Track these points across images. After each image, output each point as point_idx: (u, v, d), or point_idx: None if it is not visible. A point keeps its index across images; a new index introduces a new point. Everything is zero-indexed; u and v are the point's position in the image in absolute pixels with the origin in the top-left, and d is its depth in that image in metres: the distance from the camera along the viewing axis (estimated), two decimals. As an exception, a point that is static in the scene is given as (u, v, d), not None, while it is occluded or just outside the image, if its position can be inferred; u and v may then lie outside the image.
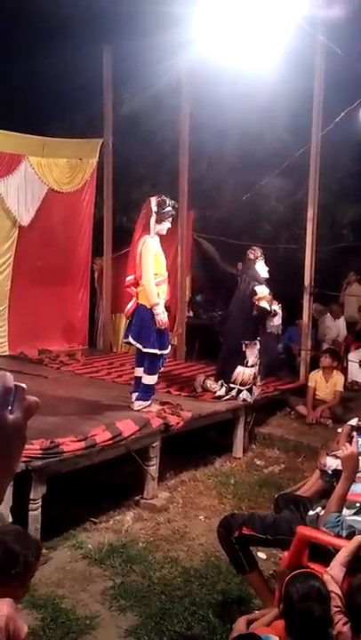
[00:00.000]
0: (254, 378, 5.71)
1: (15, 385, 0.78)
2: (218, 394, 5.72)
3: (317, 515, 3.10)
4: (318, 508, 3.14)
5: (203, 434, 5.66)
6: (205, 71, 6.93)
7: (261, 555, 3.73)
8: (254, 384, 5.74)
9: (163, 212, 4.88)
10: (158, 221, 4.88)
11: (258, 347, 5.69)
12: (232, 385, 5.66)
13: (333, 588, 2.37)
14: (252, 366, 5.67)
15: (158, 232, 4.91)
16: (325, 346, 7.52)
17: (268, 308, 5.61)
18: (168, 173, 8.03)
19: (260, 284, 5.65)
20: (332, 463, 3.85)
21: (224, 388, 5.71)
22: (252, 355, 5.65)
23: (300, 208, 7.19)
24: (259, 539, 3.07)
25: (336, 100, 6.86)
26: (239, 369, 5.63)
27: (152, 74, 6.93)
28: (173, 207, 4.99)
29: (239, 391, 5.66)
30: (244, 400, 5.69)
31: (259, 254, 5.82)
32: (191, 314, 8.39)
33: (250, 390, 5.70)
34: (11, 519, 3.53)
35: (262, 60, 6.01)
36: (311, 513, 3.15)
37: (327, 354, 6.55)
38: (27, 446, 3.74)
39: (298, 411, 6.46)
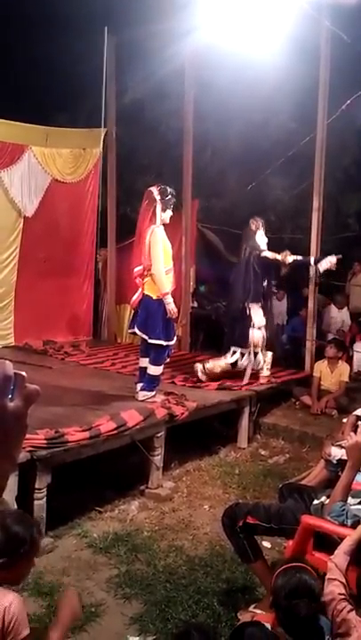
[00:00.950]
0: (264, 340, 5.78)
1: (15, 373, 0.77)
2: (231, 360, 5.79)
3: (322, 504, 3.09)
4: (323, 498, 3.14)
5: (207, 424, 5.66)
6: (209, 58, 6.86)
7: (266, 544, 3.73)
8: (262, 349, 5.80)
9: (166, 200, 4.88)
10: (163, 209, 4.88)
11: (261, 310, 5.79)
12: (246, 350, 5.75)
13: (337, 575, 2.36)
14: (260, 328, 5.74)
15: (163, 220, 4.90)
16: (330, 336, 7.49)
17: (273, 257, 5.79)
18: (172, 162, 7.98)
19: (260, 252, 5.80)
20: (336, 453, 3.84)
21: (238, 354, 5.78)
22: (257, 316, 5.73)
23: (306, 198, 7.12)
24: (263, 528, 3.07)
25: (342, 87, 6.78)
26: (250, 331, 5.73)
27: (156, 62, 6.87)
28: (172, 195, 5.00)
29: (255, 354, 5.74)
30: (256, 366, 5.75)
31: (260, 225, 5.97)
32: (196, 304, 8.37)
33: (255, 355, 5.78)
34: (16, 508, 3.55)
35: (267, 46, 5.94)
36: (316, 502, 3.14)
37: (332, 344, 6.52)
38: (31, 436, 3.75)
39: (303, 401, 6.45)
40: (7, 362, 0.77)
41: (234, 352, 5.85)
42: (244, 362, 5.86)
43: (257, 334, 5.76)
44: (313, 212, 6.79)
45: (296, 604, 2.06)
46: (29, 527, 2.22)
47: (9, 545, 2.12)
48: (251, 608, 3.09)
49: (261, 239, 5.94)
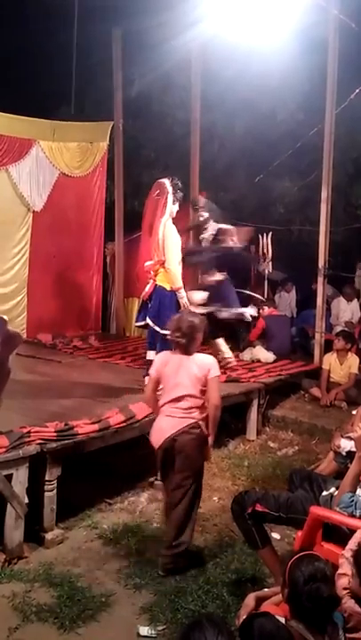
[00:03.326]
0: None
1: None
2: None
3: (331, 495, 3.10)
4: (332, 489, 3.14)
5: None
6: (216, 49, 6.82)
7: (275, 535, 3.74)
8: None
9: (177, 193, 4.89)
10: (174, 202, 4.89)
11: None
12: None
13: (347, 570, 2.36)
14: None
15: (171, 214, 4.90)
16: (339, 328, 7.46)
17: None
18: (179, 155, 7.94)
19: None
20: (346, 445, 3.84)
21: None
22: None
23: (314, 189, 7.07)
24: (272, 516, 3.08)
25: (351, 76, 6.71)
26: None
27: (162, 53, 6.83)
28: (181, 189, 5.00)
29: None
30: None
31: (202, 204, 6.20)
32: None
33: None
34: (26, 500, 3.59)
35: (274, 36, 5.89)
36: (325, 493, 3.15)
37: (341, 336, 6.49)
38: (41, 429, 3.79)
39: (312, 393, 6.44)
40: None
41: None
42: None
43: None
44: (322, 203, 6.74)
45: (317, 587, 2.05)
46: None
47: None
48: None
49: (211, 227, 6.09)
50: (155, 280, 4.89)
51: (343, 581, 2.33)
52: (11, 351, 0.68)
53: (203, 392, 3.40)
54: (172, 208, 4.87)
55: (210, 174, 7.99)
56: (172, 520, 3.46)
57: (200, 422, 3.40)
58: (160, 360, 3.57)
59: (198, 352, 3.53)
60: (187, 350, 3.45)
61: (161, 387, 3.53)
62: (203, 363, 3.43)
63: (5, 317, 0.66)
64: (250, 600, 2.56)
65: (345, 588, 2.30)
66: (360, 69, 6.77)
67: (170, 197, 4.83)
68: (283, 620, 2.14)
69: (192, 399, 3.39)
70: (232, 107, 7.84)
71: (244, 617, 2.35)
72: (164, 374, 3.48)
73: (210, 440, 3.49)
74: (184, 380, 3.39)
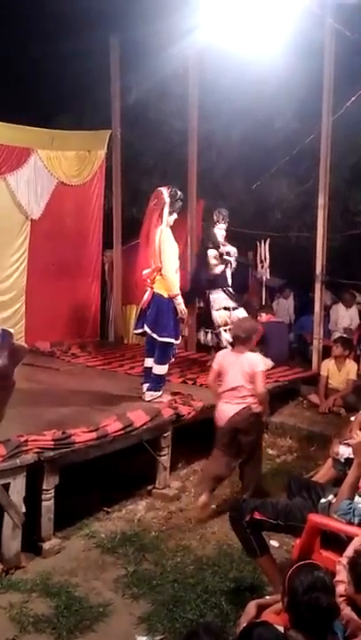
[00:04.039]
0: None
1: (2, 330, 0.75)
2: (204, 341, 6.49)
3: (329, 502, 3.09)
4: (330, 496, 3.13)
5: (215, 423, 5.64)
6: (213, 57, 6.86)
7: (274, 543, 3.72)
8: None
9: (174, 203, 4.89)
10: (170, 213, 4.90)
11: (223, 294, 6.28)
12: (214, 330, 6.26)
13: (344, 577, 2.35)
14: (219, 309, 6.22)
15: (168, 223, 4.91)
16: (338, 335, 7.46)
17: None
18: (177, 163, 7.97)
19: (214, 246, 6.31)
20: (344, 451, 3.83)
21: (210, 335, 6.35)
22: (218, 299, 6.25)
23: (312, 195, 7.10)
24: (270, 524, 3.07)
25: (347, 84, 6.74)
26: (213, 313, 6.24)
27: (159, 62, 6.86)
28: (181, 199, 5.01)
29: (218, 334, 6.22)
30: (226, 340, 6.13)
31: (220, 218, 6.41)
32: (202, 304, 8.35)
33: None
34: (24, 509, 3.57)
35: (270, 44, 5.92)
36: (323, 500, 3.13)
37: (339, 343, 6.49)
38: (39, 437, 3.77)
39: (310, 400, 6.43)
40: None
41: (205, 332, 6.41)
42: (209, 339, 6.38)
43: (215, 315, 6.24)
44: (319, 209, 6.77)
45: (316, 596, 2.03)
46: None
47: None
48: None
49: (219, 232, 6.35)
50: (152, 288, 4.89)
51: (340, 589, 2.32)
52: (16, 364, 0.68)
53: (252, 382, 4.30)
54: (169, 218, 4.89)
55: (208, 181, 8.01)
56: (248, 470, 4.46)
57: (252, 405, 4.33)
58: (221, 356, 4.59)
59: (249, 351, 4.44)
60: (242, 348, 4.41)
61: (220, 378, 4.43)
62: (251, 360, 4.37)
63: (11, 330, 0.66)
64: (251, 608, 2.55)
65: (341, 596, 2.28)
66: (356, 75, 6.80)
67: (166, 208, 4.85)
68: (282, 630, 2.12)
69: (244, 389, 4.32)
70: (229, 114, 7.88)
71: (244, 625, 2.34)
72: (223, 368, 4.41)
73: (264, 416, 4.66)
74: (237, 374, 4.33)
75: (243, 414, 4.30)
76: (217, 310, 6.24)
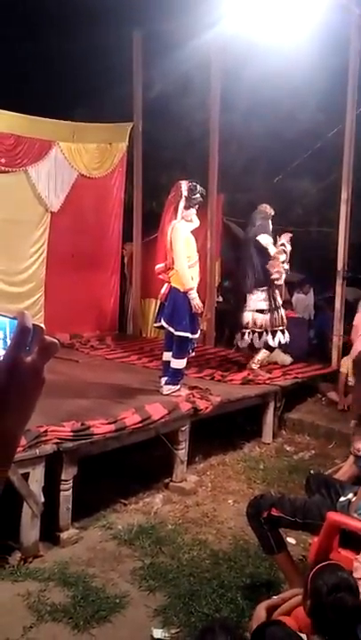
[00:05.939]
0: (272, 322, 5.93)
1: (34, 325, 0.74)
2: (236, 342, 6.18)
3: (349, 501, 3.05)
4: (350, 495, 3.10)
5: (232, 419, 5.64)
6: (235, 50, 6.79)
7: (291, 540, 3.71)
8: (274, 329, 5.94)
9: (192, 198, 4.87)
10: (186, 207, 4.87)
11: (262, 294, 5.91)
12: (244, 330, 5.99)
13: None
14: (259, 311, 5.93)
15: (184, 217, 4.89)
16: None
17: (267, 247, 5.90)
18: (198, 156, 7.93)
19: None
20: (366, 449, 3.78)
21: (238, 335, 6.08)
22: (256, 299, 5.94)
23: (334, 190, 7.00)
24: (288, 521, 3.05)
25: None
26: (245, 315, 5.95)
27: (181, 54, 6.82)
28: (202, 194, 4.97)
29: (256, 334, 5.93)
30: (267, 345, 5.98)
31: (272, 212, 6.11)
32: (221, 299, 8.33)
33: (273, 333, 5.94)
34: (42, 499, 3.61)
35: (294, 36, 5.83)
36: (343, 499, 3.10)
37: (360, 339, 6.40)
38: (58, 428, 3.80)
39: (329, 397, 6.36)
40: (26, 312, 0.74)
41: (242, 334, 6.05)
42: (243, 343, 6.12)
43: (247, 316, 5.96)
44: (341, 204, 6.68)
45: (341, 597, 1.99)
46: None
47: None
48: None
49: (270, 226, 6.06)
50: (169, 282, 4.89)
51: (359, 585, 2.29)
52: (46, 360, 0.66)
53: None
54: (185, 212, 4.86)
55: (229, 175, 7.96)
56: None
57: None
58: None
59: None
60: None
61: None
62: None
63: (42, 325, 0.65)
64: (260, 611, 2.53)
65: None
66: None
67: (182, 202, 4.82)
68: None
69: None
70: (251, 107, 7.81)
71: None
72: None
73: None
74: None
75: None
76: (248, 311, 5.97)
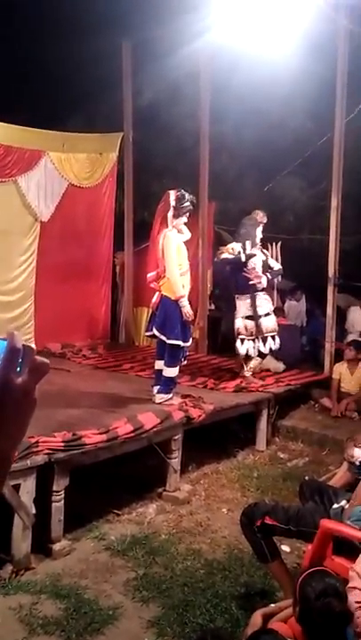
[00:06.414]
0: (258, 328, 5.94)
1: (24, 345, 0.73)
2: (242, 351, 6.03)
3: (342, 508, 3.04)
4: (343, 502, 3.09)
5: (225, 426, 5.63)
6: (224, 59, 6.85)
7: (285, 548, 3.68)
8: (262, 335, 5.95)
9: (181, 207, 4.88)
10: (175, 216, 4.89)
11: (248, 300, 5.96)
12: (237, 336, 5.99)
13: (358, 584, 2.31)
14: (247, 318, 5.95)
15: (175, 226, 4.90)
16: (353, 337, 7.38)
17: (230, 257, 5.97)
18: (189, 165, 7.96)
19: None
20: (359, 454, 3.78)
21: (238, 341, 6.03)
22: (243, 306, 5.97)
23: (324, 197, 7.05)
24: (281, 529, 3.03)
25: (360, 85, 6.69)
26: (236, 321, 5.99)
27: (170, 64, 6.87)
28: (192, 202, 4.98)
29: (243, 341, 5.95)
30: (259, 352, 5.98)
31: (263, 220, 6.14)
32: (213, 307, 8.33)
33: (264, 340, 5.95)
34: (34, 510, 3.57)
35: (283, 45, 5.89)
36: (336, 506, 3.09)
37: (351, 346, 6.43)
38: (49, 439, 3.77)
39: (322, 403, 6.37)
40: (16, 333, 0.74)
41: (241, 340, 6.01)
42: (242, 349, 6.04)
43: (238, 323, 5.98)
44: (332, 211, 6.72)
45: (328, 602, 2.00)
46: None
47: None
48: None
49: (259, 233, 6.10)
50: (160, 290, 4.89)
51: (355, 595, 2.28)
52: (37, 381, 0.65)
53: None
54: (175, 221, 4.87)
55: (220, 183, 7.99)
56: None
57: None
58: None
59: None
60: None
61: None
62: None
63: (33, 346, 0.64)
64: (256, 619, 2.51)
65: (358, 602, 2.24)
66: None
67: (171, 211, 4.84)
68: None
69: None
70: (241, 116, 7.86)
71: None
72: None
73: None
74: None
75: None
76: (242, 318, 5.99)
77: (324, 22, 6.23)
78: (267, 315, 6.01)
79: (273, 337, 5.98)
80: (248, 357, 6.07)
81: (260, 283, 5.98)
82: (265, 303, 6.04)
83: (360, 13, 6.16)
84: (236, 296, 6.08)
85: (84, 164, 7.58)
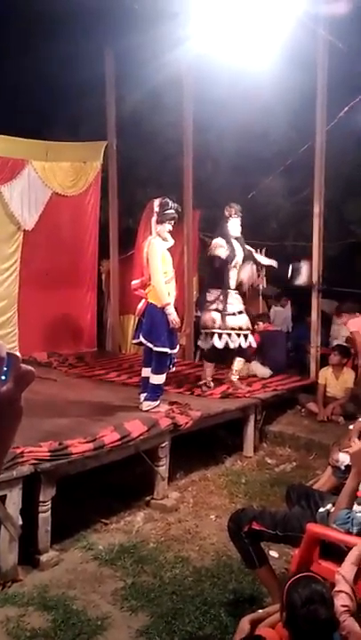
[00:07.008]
0: (222, 321, 5.73)
1: (8, 353, 0.73)
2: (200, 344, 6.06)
3: (328, 511, 3.06)
4: (329, 505, 3.10)
5: (213, 433, 5.63)
6: (206, 69, 6.92)
7: (274, 553, 3.69)
8: (227, 330, 5.75)
9: (164, 213, 4.89)
10: (159, 222, 4.90)
11: (216, 292, 5.81)
12: (204, 331, 5.89)
13: (344, 587, 2.32)
14: (216, 310, 5.79)
15: (159, 233, 4.92)
16: (338, 342, 7.45)
17: (215, 253, 5.79)
18: (173, 174, 8.02)
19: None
20: (344, 459, 3.81)
21: (201, 336, 5.98)
22: (211, 297, 5.84)
23: (308, 205, 7.14)
24: (269, 534, 3.04)
25: (340, 95, 6.81)
26: (203, 313, 5.93)
27: (153, 74, 6.93)
28: (176, 210, 4.98)
29: (208, 335, 5.80)
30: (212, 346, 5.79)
31: (233, 212, 5.92)
32: (199, 314, 8.35)
33: (229, 336, 5.75)
34: (20, 522, 3.54)
35: (264, 56, 5.98)
36: (322, 510, 3.11)
37: (336, 351, 6.49)
38: (35, 449, 3.75)
39: (308, 408, 6.41)
40: (0, 342, 0.73)
41: (205, 335, 5.88)
42: (206, 344, 5.90)
43: (206, 315, 5.84)
44: (314, 218, 6.80)
45: (314, 608, 2.02)
46: None
47: None
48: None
49: (234, 227, 5.87)
50: (146, 298, 4.90)
51: (341, 599, 2.29)
52: (23, 389, 0.64)
53: None
54: (158, 228, 4.89)
55: (204, 192, 8.05)
56: None
57: None
58: None
59: None
60: None
61: None
62: None
63: (18, 354, 0.63)
64: (244, 624, 2.51)
65: (343, 606, 2.25)
66: (349, 87, 6.88)
67: (154, 218, 4.87)
68: None
69: None
70: (224, 125, 7.95)
71: None
72: None
73: None
74: None
75: None
76: (210, 310, 5.79)
77: (305, 34, 6.34)
78: (240, 312, 5.83)
79: (245, 335, 5.81)
80: (214, 357, 5.97)
81: (258, 285, 6.01)
82: (236, 302, 5.85)
83: (339, 25, 6.28)
84: (209, 290, 5.97)
85: (67, 172, 7.59)
